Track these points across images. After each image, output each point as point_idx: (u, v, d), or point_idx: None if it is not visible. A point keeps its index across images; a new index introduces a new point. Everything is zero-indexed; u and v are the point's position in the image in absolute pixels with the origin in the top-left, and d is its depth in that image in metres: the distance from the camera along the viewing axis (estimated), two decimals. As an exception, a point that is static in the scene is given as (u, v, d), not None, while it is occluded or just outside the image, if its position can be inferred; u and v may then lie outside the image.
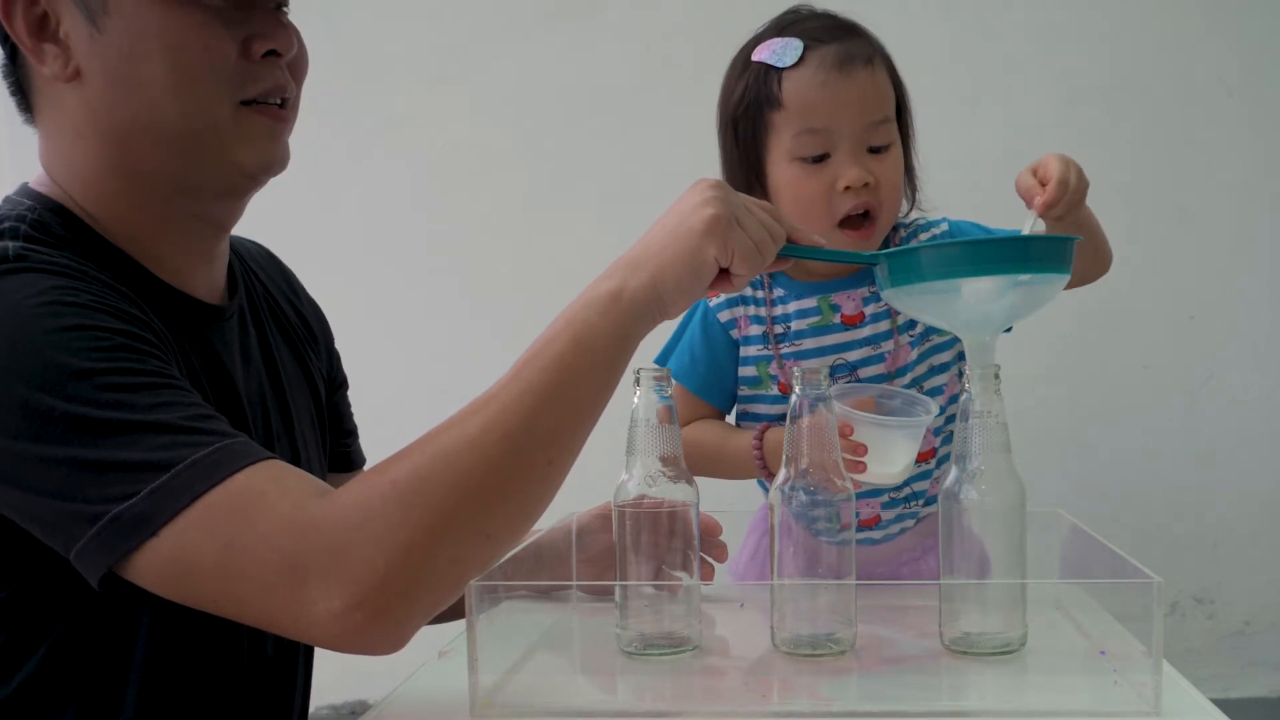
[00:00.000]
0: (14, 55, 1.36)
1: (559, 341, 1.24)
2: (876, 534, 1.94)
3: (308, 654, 1.60)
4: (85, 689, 1.29)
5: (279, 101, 1.39)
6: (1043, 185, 1.70)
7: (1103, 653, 1.38)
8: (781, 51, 1.79)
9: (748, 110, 1.86)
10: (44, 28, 1.30)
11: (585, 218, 3.75)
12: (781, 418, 1.90)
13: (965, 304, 1.41)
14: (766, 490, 2.01)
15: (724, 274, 1.35)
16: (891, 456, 1.64)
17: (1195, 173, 3.91)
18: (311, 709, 1.63)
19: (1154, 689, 1.18)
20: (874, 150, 1.83)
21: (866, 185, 1.81)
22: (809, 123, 1.80)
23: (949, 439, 1.94)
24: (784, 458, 1.38)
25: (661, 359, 1.87)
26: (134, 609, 1.29)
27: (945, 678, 1.35)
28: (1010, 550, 1.36)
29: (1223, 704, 1.18)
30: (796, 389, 1.37)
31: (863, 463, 1.63)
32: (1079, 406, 3.96)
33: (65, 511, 1.14)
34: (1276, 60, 3.90)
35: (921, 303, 1.46)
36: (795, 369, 1.38)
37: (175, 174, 1.36)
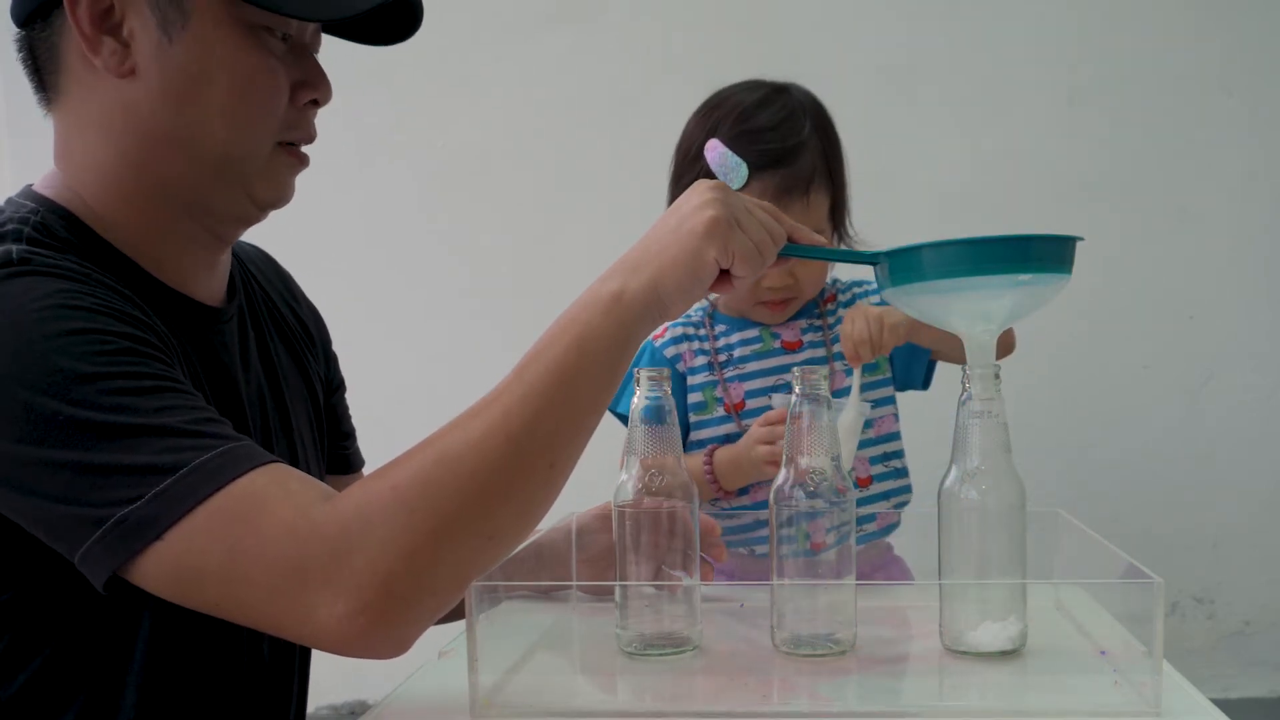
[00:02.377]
0: (31, 26, 1.37)
1: (560, 343, 1.23)
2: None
3: (304, 656, 1.60)
4: (85, 690, 1.30)
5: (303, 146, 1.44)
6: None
7: (1103, 653, 1.38)
8: (728, 171, 1.87)
9: None
10: (107, 20, 1.31)
11: (586, 219, 3.76)
12: (727, 437, 2.07)
13: (965, 303, 1.40)
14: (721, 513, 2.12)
15: (724, 275, 1.35)
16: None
17: (1195, 173, 3.91)
18: (311, 709, 1.63)
19: (1154, 689, 1.17)
20: None
21: (788, 284, 2.02)
22: None
23: (886, 475, 2.11)
24: (784, 458, 1.38)
25: (614, 401, 1.95)
26: (135, 611, 1.30)
27: (945, 678, 1.34)
28: (1010, 550, 1.35)
29: (1223, 704, 1.18)
30: (796, 389, 1.37)
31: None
32: (1079, 406, 3.97)
33: (70, 515, 1.14)
34: (1275, 60, 3.91)
35: (921, 302, 1.45)
36: (794, 371, 1.38)
37: (193, 190, 1.38)
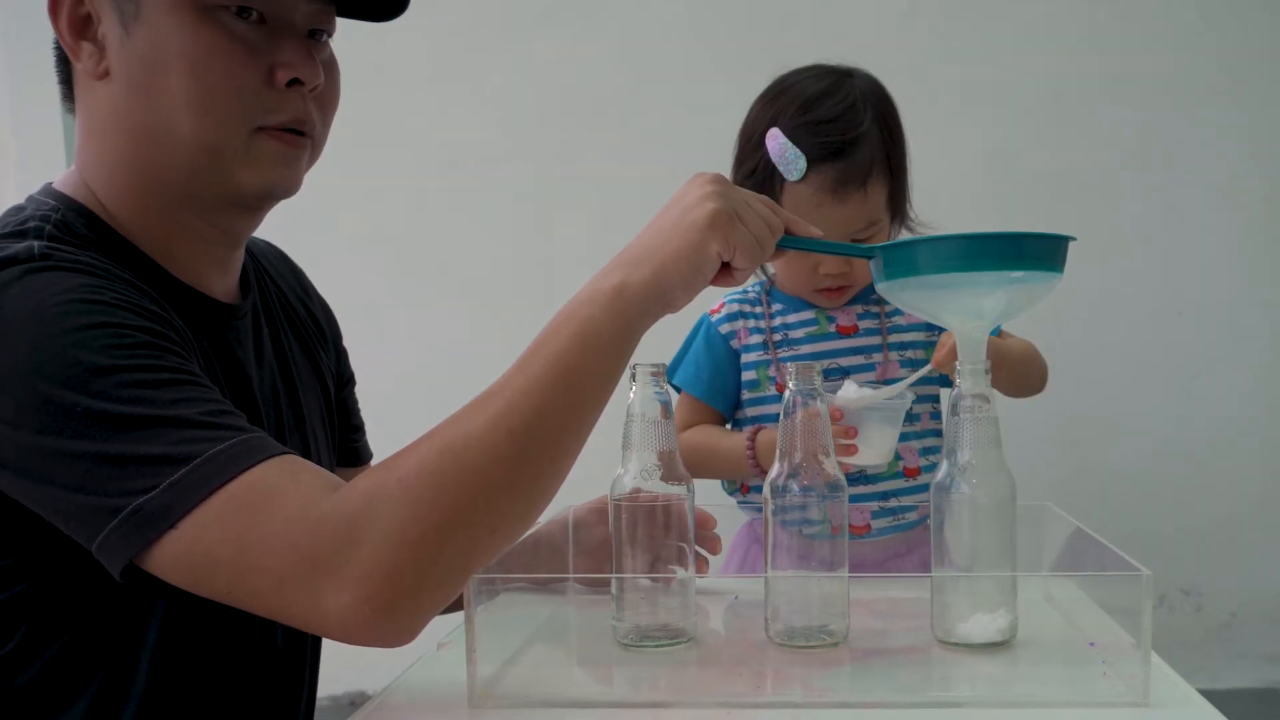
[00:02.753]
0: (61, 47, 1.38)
1: (562, 337, 1.24)
2: (864, 541, 2.00)
3: (316, 645, 1.61)
4: (101, 674, 1.31)
5: (297, 130, 1.40)
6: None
7: (1092, 644, 1.38)
8: (787, 163, 1.94)
9: (754, 188, 1.91)
10: (85, 27, 1.33)
11: (581, 214, 3.76)
12: (778, 416, 1.97)
13: (958, 299, 1.41)
14: (745, 506, 2.15)
15: (725, 268, 1.35)
16: (872, 438, 1.68)
17: (1185, 172, 3.92)
18: (312, 699, 1.64)
19: (1143, 680, 1.18)
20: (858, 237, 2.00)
21: (844, 271, 2.02)
22: None
23: (932, 468, 2.03)
24: (777, 452, 1.39)
25: (670, 371, 1.94)
26: (149, 599, 1.31)
27: (936, 669, 1.35)
28: (1000, 543, 1.36)
29: (1210, 695, 1.18)
30: (790, 385, 1.37)
31: (854, 445, 1.80)
32: (1069, 402, 3.96)
33: (87, 505, 1.15)
34: (1265, 60, 3.91)
35: (915, 297, 1.45)
36: (788, 366, 1.38)
37: (181, 182, 1.37)
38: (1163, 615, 3.94)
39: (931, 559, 1.39)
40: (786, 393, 1.38)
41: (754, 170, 2.01)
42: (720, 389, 2.11)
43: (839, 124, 1.97)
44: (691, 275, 1.31)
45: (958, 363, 1.38)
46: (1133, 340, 3.95)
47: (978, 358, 1.38)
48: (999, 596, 1.36)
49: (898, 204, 2.08)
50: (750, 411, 2.11)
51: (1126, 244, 3.87)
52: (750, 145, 2.04)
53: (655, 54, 3.67)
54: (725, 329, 2.14)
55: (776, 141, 1.92)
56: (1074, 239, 1.45)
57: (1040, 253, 1.40)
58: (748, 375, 2.10)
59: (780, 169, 1.93)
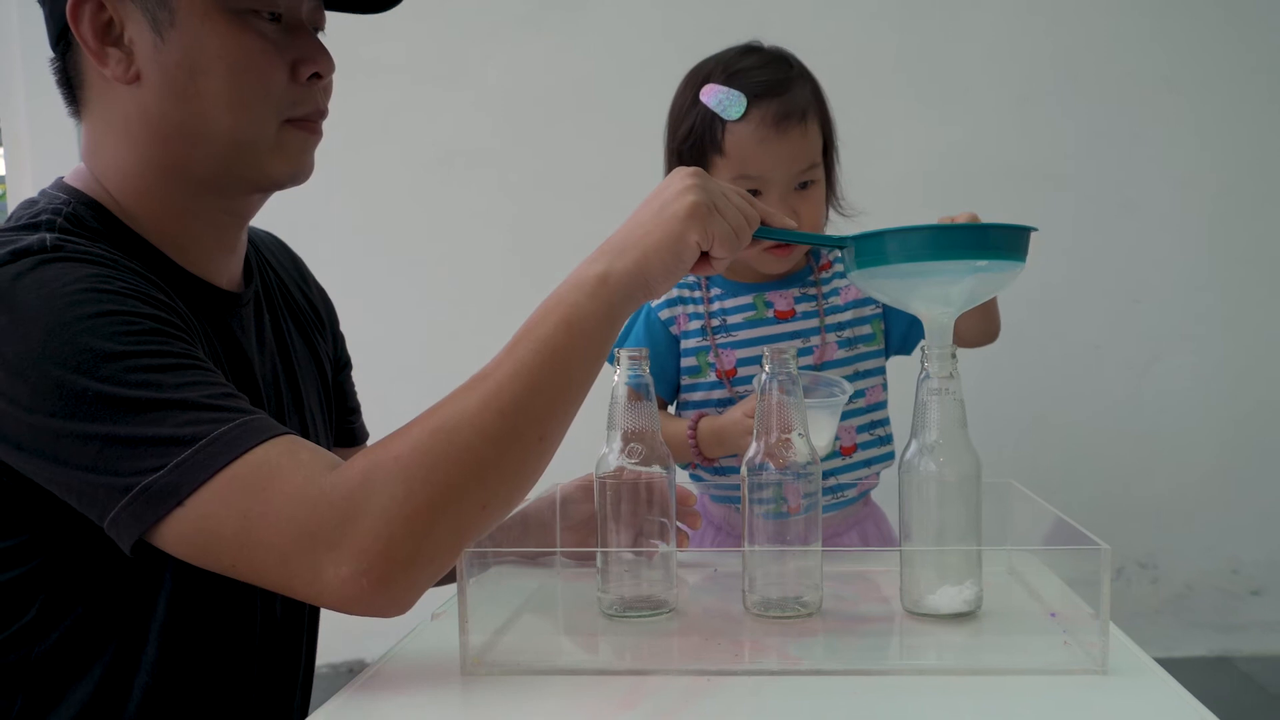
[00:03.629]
0: (64, 51, 1.38)
1: (549, 322, 1.25)
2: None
3: (313, 615, 1.62)
4: (113, 643, 1.32)
5: (314, 119, 1.43)
6: None
7: (1053, 615, 1.38)
8: (727, 104, 1.88)
9: (693, 148, 1.94)
10: (109, 32, 1.32)
11: (568, 206, 3.76)
12: (718, 402, 2.02)
13: (926, 286, 1.40)
14: (696, 480, 2.12)
15: (704, 257, 1.36)
16: (815, 432, 1.67)
17: (1140, 167, 3.94)
18: (312, 667, 1.64)
19: (1101, 649, 1.18)
20: (801, 186, 1.94)
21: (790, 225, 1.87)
22: (745, 170, 1.90)
23: (870, 443, 2.07)
24: (754, 432, 1.39)
25: (610, 358, 1.94)
26: (157, 572, 1.32)
27: (905, 638, 1.35)
28: (966, 518, 1.36)
29: (1166, 663, 1.18)
30: (766, 369, 1.37)
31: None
32: (1032, 385, 3.99)
33: (99, 484, 1.16)
34: (1216, 60, 3.93)
35: (885, 285, 1.45)
36: (766, 350, 1.38)
37: (213, 175, 1.38)
38: (1120, 587, 3.95)
39: (900, 534, 1.39)
40: (763, 376, 1.38)
41: (691, 128, 1.94)
42: (660, 375, 2.06)
43: (769, 69, 1.93)
44: (672, 264, 1.32)
45: (924, 345, 1.38)
46: (1092, 326, 3.96)
47: (945, 342, 1.38)
48: (965, 569, 1.36)
49: (829, 161, 2.02)
50: (690, 396, 2.08)
51: (1085, 236, 3.89)
52: (684, 108, 1.98)
53: (636, 56, 3.67)
54: (665, 315, 2.10)
55: (713, 91, 1.89)
56: (1035, 230, 1.45)
57: (1004, 243, 1.40)
58: (687, 361, 2.07)
59: (719, 113, 1.88)
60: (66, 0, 1.31)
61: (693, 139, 1.93)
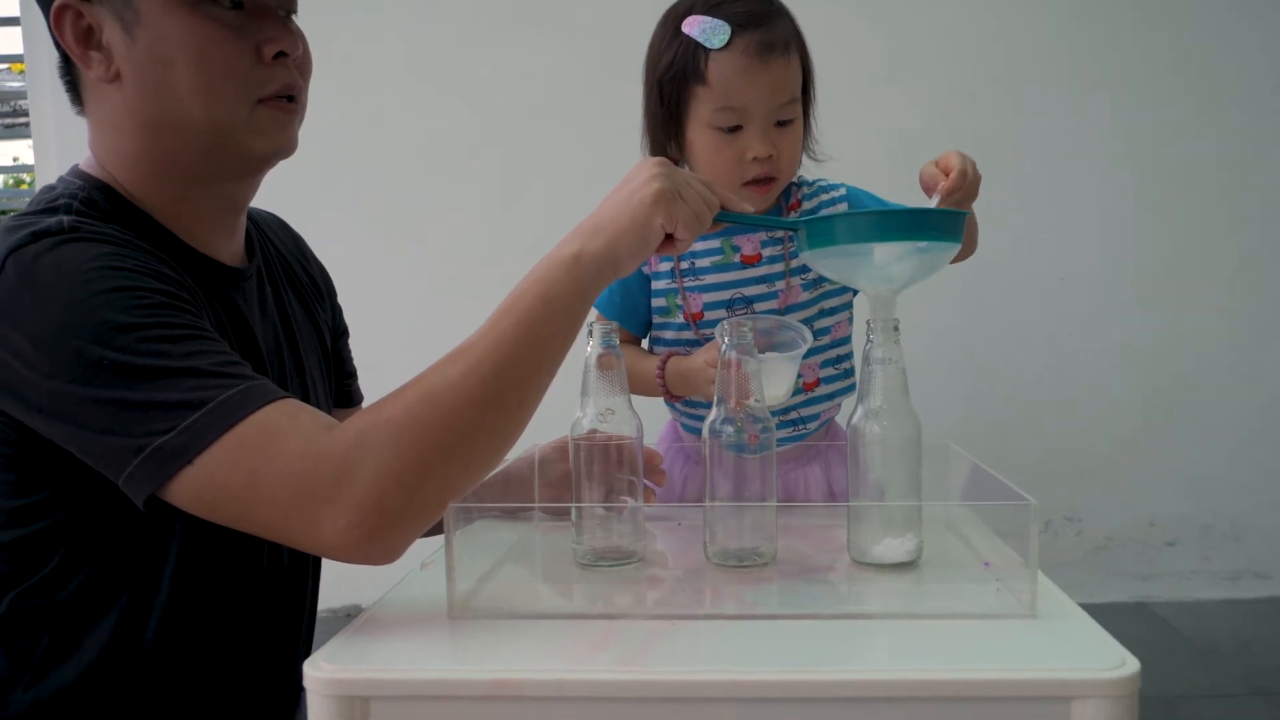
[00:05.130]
0: (66, 58, 1.38)
1: (528, 298, 1.25)
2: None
3: (316, 563, 1.63)
4: (128, 589, 1.33)
5: (288, 96, 1.41)
6: (945, 174, 1.70)
7: (986, 564, 1.39)
8: (711, 33, 1.78)
9: (674, 79, 1.84)
10: (90, 37, 1.33)
11: (548, 196, 3.76)
12: (685, 342, 1.96)
13: (870, 265, 1.41)
14: (671, 408, 2.08)
15: (669, 238, 1.37)
16: (775, 381, 1.66)
17: (1066, 157, 3.96)
18: (312, 612, 1.65)
19: (1030, 595, 1.19)
20: (780, 123, 1.84)
21: (770, 157, 1.83)
22: (728, 101, 1.81)
23: (833, 378, 2.01)
24: (715, 398, 1.39)
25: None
26: (169, 524, 1.33)
27: (852, 585, 1.35)
28: (908, 477, 1.36)
29: (1089, 608, 1.19)
30: (725, 340, 1.37)
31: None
32: (968, 354, 4.01)
33: (114, 445, 1.17)
34: (1138, 60, 3.95)
35: (833, 263, 1.46)
36: (724, 323, 1.38)
37: (199, 162, 1.38)
38: (1048, 539, 3.98)
39: (849, 491, 1.40)
40: (723, 347, 1.37)
41: (673, 59, 1.84)
42: (632, 312, 2.01)
43: (753, 1, 1.83)
44: (639, 245, 1.33)
45: (869, 319, 1.38)
46: (1020, 301, 3.99)
47: (888, 315, 1.38)
48: (906, 523, 1.37)
49: (807, 99, 1.93)
50: (661, 334, 2.02)
51: (1016, 219, 3.91)
52: (664, 41, 1.88)
53: (618, 54, 3.67)
54: None
55: (698, 19, 1.80)
56: (969, 213, 1.46)
57: (941, 225, 1.41)
58: (657, 302, 2.00)
59: (703, 42, 1.79)
60: (51, 11, 1.32)
61: (675, 69, 1.84)
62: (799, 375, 1.85)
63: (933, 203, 1.68)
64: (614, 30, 3.54)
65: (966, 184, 1.70)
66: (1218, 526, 4.08)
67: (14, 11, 4.04)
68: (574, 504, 1.43)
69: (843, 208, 1.97)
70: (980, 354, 4.00)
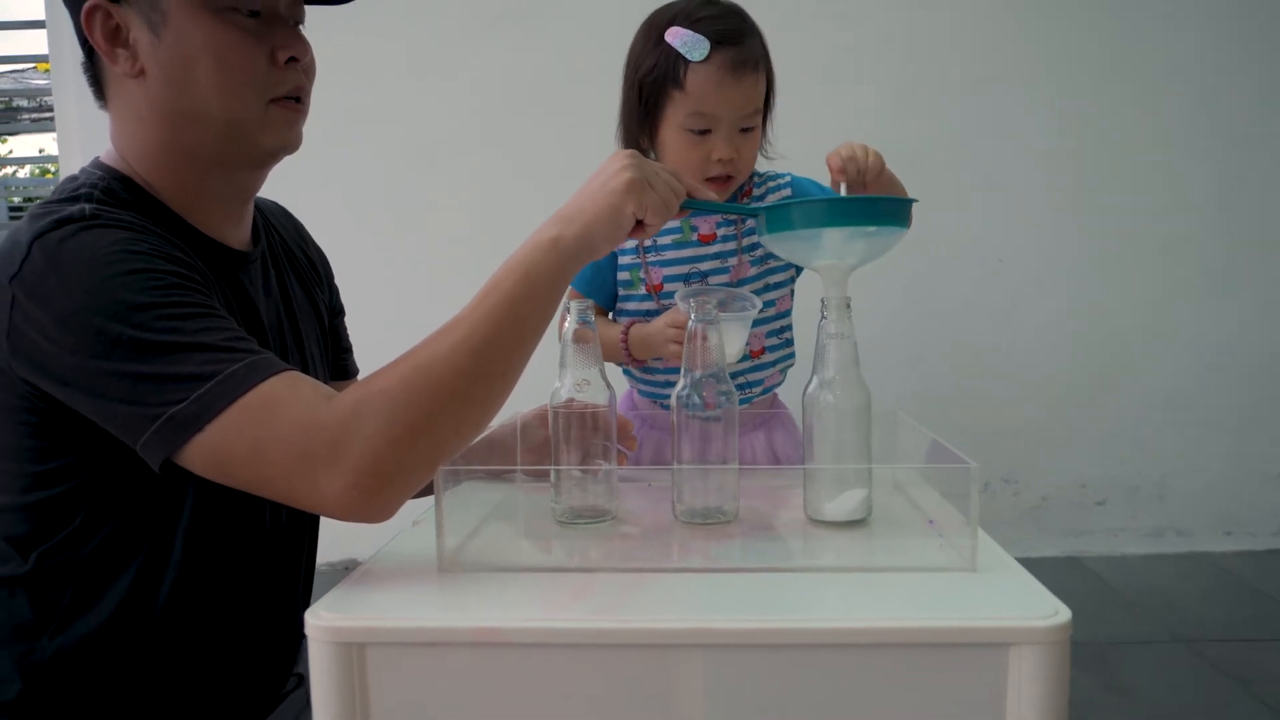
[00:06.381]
0: (90, 55, 1.39)
1: (511, 279, 1.26)
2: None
3: (314, 521, 1.63)
4: (145, 546, 1.35)
5: (296, 97, 1.42)
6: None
7: (931, 522, 1.40)
8: (692, 46, 1.83)
9: (655, 82, 1.89)
10: (118, 36, 1.34)
11: (530, 190, 3.76)
12: (646, 312, 2.01)
13: (824, 248, 1.42)
14: (630, 375, 2.14)
15: (639, 224, 1.39)
16: (730, 340, 1.68)
17: (1005, 147, 3.98)
18: (311, 567, 1.65)
19: (971, 550, 1.20)
20: (744, 130, 1.90)
21: (732, 159, 1.90)
22: (701, 108, 1.86)
23: (776, 346, 2.06)
24: (683, 369, 1.39)
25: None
26: (181, 486, 1.34)
27: (807, 542, 1.36)
28: (859, 442, 1.37)
29: (1025, 562, 1.20)
30: (692, 315, 1.38)
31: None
32: (914, 329, 4.02)
33: (132, 414, 1.18)
34: (1073, 58, 3.96)
35: (790, 247, 1.47)
36: (691, 300, 1.39)
37: (215, 153, 1.39)
38: (987, 499, 4.01)
39: (803, 455, 1.41)
40: (690, 322, 1.38)
41: (655, 64, 1.89)
42: (599, 285, 2.05)
43: (730, 19, 1.89)
44: (612, 231, 1.35)
45: (823, 296, 1.39)
46: (963, 280, 4.01)
47: (841, 294, 1.39)
48: (857, 484, 1.38)
49: (767, 107, 1.98)
50: (625, 305, 2.07)
51: (960, 205, 3.92)
52: (646, 47, 1.92)
53: (595, 57, 3.66)
54: None
55: (680, 31, 1.85)
56: (916, 201, 1.46)
57: (889, 211, 1.42)
58: (622, 275, 2.05)
59: (684, 53, 1.84)
60: (82, 12, 1.33)
61: (656, 74, 1.88)
62: (747, 344, 1.89)
63: (842, 190, 1.74)
64: (606, 30, 3.55)
65: (859, 167, 1.77)
66: (1144, 488, 4.12)
67: (40, 15, 4.05)
68: (553, 466, 1.44)
69: (787, 193, 2.05)
70: (925, 328, 4.01)
